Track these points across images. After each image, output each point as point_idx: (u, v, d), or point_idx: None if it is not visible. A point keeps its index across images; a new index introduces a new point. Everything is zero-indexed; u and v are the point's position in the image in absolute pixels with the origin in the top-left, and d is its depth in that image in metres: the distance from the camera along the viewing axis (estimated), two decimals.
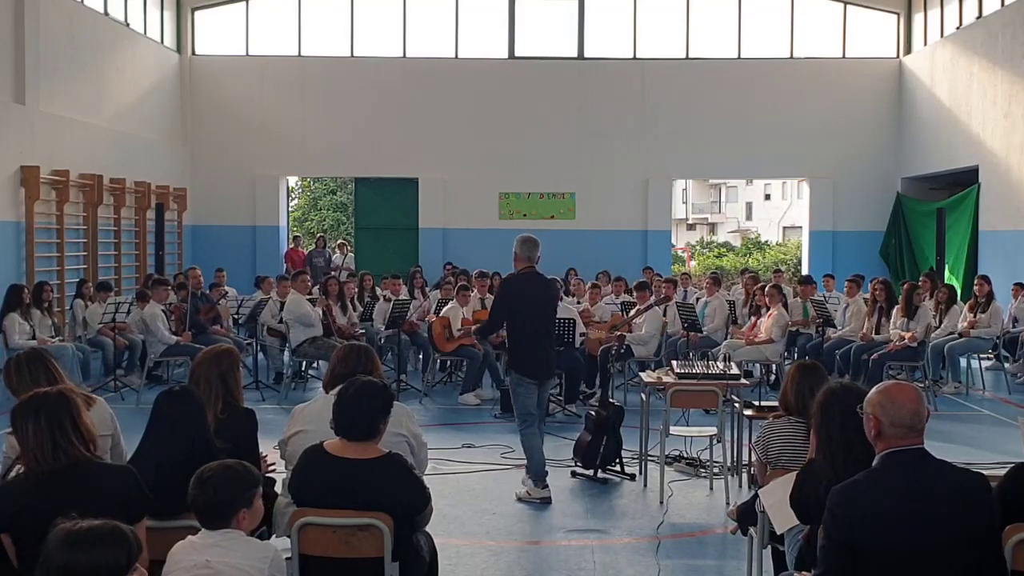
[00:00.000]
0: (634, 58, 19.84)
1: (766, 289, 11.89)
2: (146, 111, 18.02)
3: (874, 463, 3.34)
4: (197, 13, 19.96)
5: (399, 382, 11.48)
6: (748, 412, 6.91)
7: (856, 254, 18.77)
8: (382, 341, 12.69)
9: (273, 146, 19.63)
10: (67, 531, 2.72)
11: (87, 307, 12.64)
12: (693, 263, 32.97)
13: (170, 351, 11.46)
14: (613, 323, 11.57)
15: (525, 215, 19.59)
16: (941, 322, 12.08)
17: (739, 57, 19.84)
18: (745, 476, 7.34)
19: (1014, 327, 12.91)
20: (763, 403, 7.00)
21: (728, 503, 6.83)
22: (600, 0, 19.87)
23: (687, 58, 19.84)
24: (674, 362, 7.99)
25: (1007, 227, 15.43)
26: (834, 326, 12.05)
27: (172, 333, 11.50)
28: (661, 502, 7.07)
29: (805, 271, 19.44)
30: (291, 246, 20.45)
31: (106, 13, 16.70)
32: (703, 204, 58.21)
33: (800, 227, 27.93)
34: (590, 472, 7.68)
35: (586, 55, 19.89)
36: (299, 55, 19.91)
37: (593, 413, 7.89)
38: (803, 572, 3.71)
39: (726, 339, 11.82)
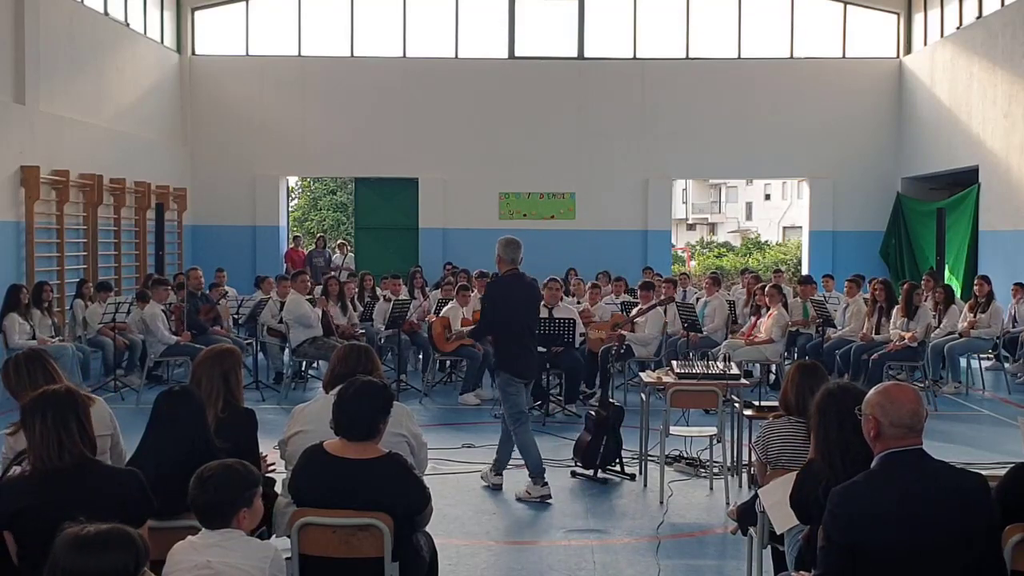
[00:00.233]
0: (634, 58, 19.84)
1: (766, 289, 11.89)
2: (146, 111, 18.01)
3: (873, 464, 3.34)
4: (197, 13, 19.96)
5: (399, 382, 11.49)
6: (748, 412, 6.91)
7: (856, 254, 18.76)
8: (382, 341, 12.70)
9: (273, 146, 19.62)
10: (75, 535, 2.73)
11: (87, 307, 12.64)
12: (693, 263, 32.97)
13: (170, 351, 11.46)
14: (614, 322, 11.58)
15: (525, 215, 19.59)
16: (940, 322, 12.09)
17: (739, 57, 19.83)
18: (745, 476, 7.34)
19: (1014, 327, 12.90)
20: (763, 403, 7.00)
21: (728, 503, 6.83)
22: (600, 0, 19.87)
23: (687, 58, 19.84)
24: (674, 362, 7.99)
25: (1007, 227, 15.43)
26: (834, 326, 12.05)
27: (172, 333, 11.51)
28: (661, 502, 7.07)
29: (805, 271, 19.44)
30: (291, 246, 20.45)
31: (106, 13, 16.69)
32: (703, 204, 58.22)
33: (800, 227, 27.93)
34: (590, 472, 7.69)
35: (586, 55, 19.89)
36: (299, 55, 19.91)
37: (593, 413, 7.90)
38: (802, 572, 3.71)
39: (726, 339, 11.81)
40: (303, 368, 12.37)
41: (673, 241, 26.11)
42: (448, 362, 12.41)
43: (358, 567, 3.88)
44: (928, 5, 19.02)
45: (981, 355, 12.65)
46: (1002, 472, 3.82)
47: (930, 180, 19.07)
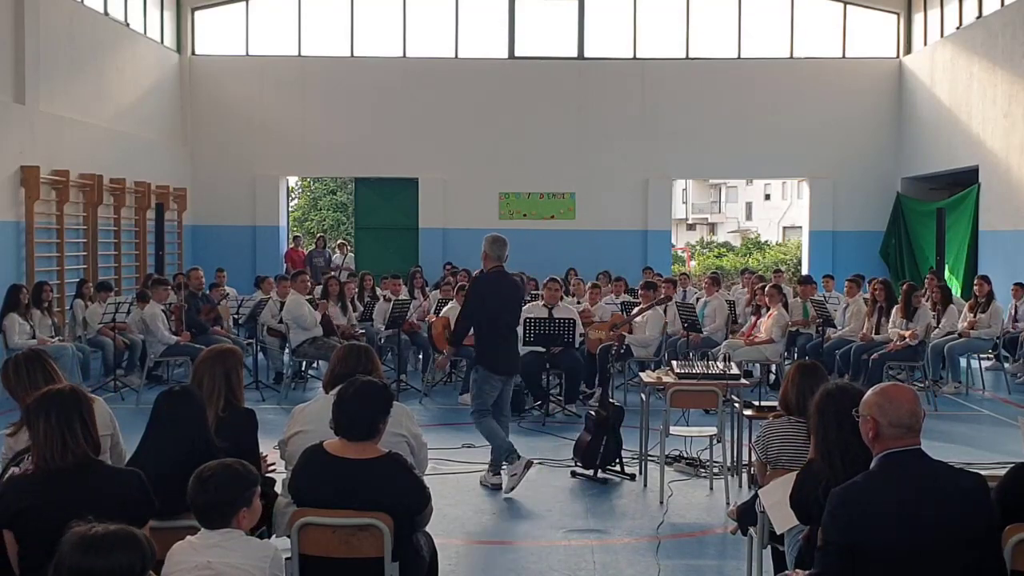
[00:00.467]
0: (634, 58, 19.84)
1: (766, 289, 11.89)
2: (146, 111, 18.01)
3: (872, 465, 3.34)
4: (197, 13, 19.96)
5: (399, 382, 11.49)
6: (748, 412, 6.91)
7: (856, 254, 18.77)
8: (382, 341, 12.69)
9: (273, 146, 19.63)
10: (81, 535, 2.73)
11: (87, 307, 12.64)
12: (693, 263, 32.97)
13: (170, 351, 11.46)
14: (613, 322, 11.57)
15: (525, 215, 19.59)
16: (939, 322, 12.09)
17: (739, 57, 19.83)
18: (745, 476, 7.34)
19: (1014, 327, 12.90)
20: (763, 403, 7.00)
21: (728, 503, 6.83)
22: (600, 0, 19.87)
23: (687, 58, 19.84)
24: (674, 362, 8.00)
25: (1007, 227, 15.43)
26: (834, 326, 12.05)
27: (172, 333, 11.51)
28: (661, 502, 7.07)
29: (805, 271, 19.45)
30: (291, 246, 20.45)
31: (106, 13, 16.69)
32: (703, 204, 58.22)
33: (800, 227, 27.93)
34: (590, 472, 7.68)
35: (586, 55, 19.89)
36: (299, 55, 19.91)
37: (593, 413, 7.90)
38: (798, 571, 3.71)
39: (726, 339, 11.81)
40: (303, 368, 12.37)
41: (673, 241, 26.11)
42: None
43: (358, 567, 3.88)
44: (928, 5, 19.02)
45: (981, 355, 12.65)
46: (1002, 472, 3.82)
47: (930, 180, 19.07)
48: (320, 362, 11.95)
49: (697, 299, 13.47)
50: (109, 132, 16.12)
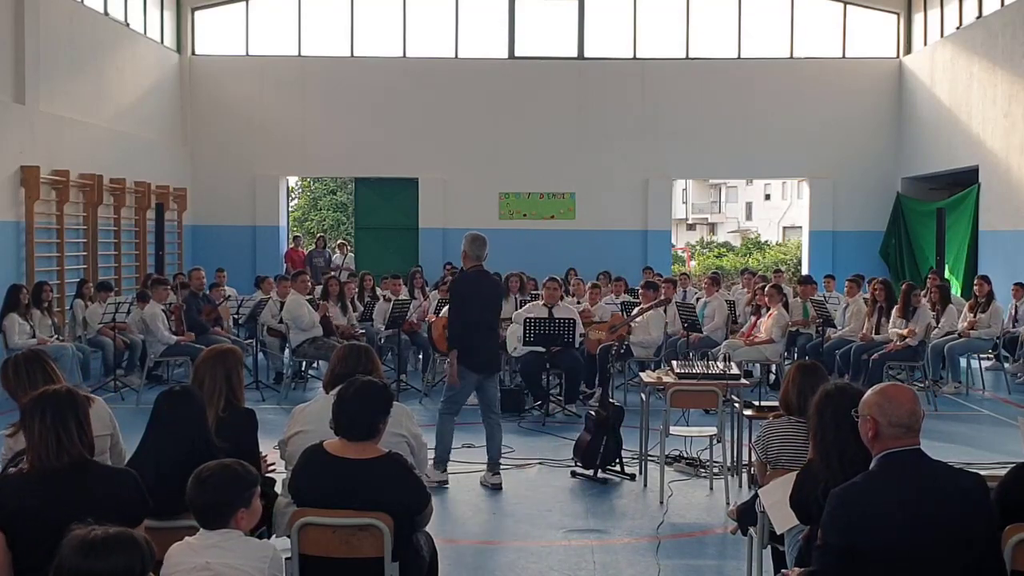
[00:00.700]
0: (634, 58, 19.84)
1: (766, 289, 11.89)
2: (146, 111, 18.01)
3: (872, 465, 3.34)
4: (197, 13, 19.96)
5: (399, 382, 11.49)
6: (748, 412, 6.91)
7: (856, 254, 18.76)
8: (382, 341, 12.69)
9: (273, 146, 19.62)
10: (81, 537, 2.74)
11: (87, 307, 12.64)
12: (693, 263, 32.98)
13: (170, 351, 11.46)
14: (613, 323, 11.57)
15: (525, 215, 19.59)
16: (938, 322, 12.08)
17: (739, 57, 19.83)
18: (745, 476, 7.34)
19: (1014, 327, 12.90)
20: (763, 403, 7.00)
21: (728, 503, 6.83)
22: (600, 0, 19.87)
23: (687, 58, 19.84)
24: (674, 362, 7.99)
25: (1007, 227, 15.43)
26: (834, 326, 12.05)
27: (172, 333, 11.50)
28: (661, 502, 7.07)
29: (805, 271, 19.44)
30: (291, 246, 20.45)
31: (106, 13, 16.69)
32: (703, 204, 58.22)
33: (800, 227, 27.93)
34: (590, 472, 7.68)
35: (586, 55, 19.89)
36: (299, 55, 19.91)
37: (593, 413, 7.90)
38: (795, 569, 3.71)
39: (726, 339, 11.81)
40: (303, 368, 12.37)
41: (673, 241, 26.11)
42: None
43: (358, 567, 3.88)
44: (928, 5, 19.02)
45: (981, 355, 12.65)
46: (1002, 472, 3.82)
47: (930, 180, 19.07)
48: (320, 362, 11.94)
49: (697, 299, 13.47)
50: (109, 132, 16.12)
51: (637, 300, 12.11)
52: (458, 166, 19.60)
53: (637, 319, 11.04)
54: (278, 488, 4.65)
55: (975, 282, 12.75)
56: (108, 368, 11.96)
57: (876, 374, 10.45)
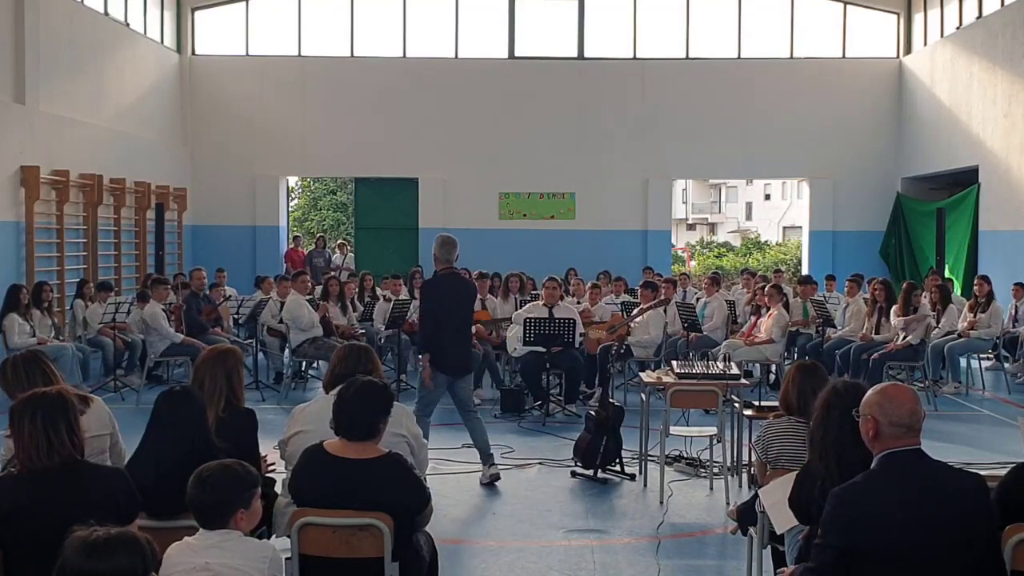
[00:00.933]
0: (634, 58, 19.84)
1: (766, 289, 11.89)
2: (146, 111, 18.01)
3: (872, 465, 3.34)
4: (197, 13, 19.96)
5: (399, 382, 11.49)
6: (748, 412, 6.91)
7: (856, 254, 18.76)
8: (382, 341, 12.69)
9: (273, 146, 19.62)
10: (84, 539, 2.76)
11: (87, 307, 12.64)
12: (693, 263, 32.98)
13: (170, 351, 11.46)
14: (612, 323, 11.57)
15: (525, 215, 19.59)
16: (938, 322, 12.08)
17: (739, 57, 19.83)
18: (745, 476, 7.34)
19: (1014, 327, 12.90)
20: (763, 403, 7.00)
21: (728, 503, 6.83)
22: (600, 0, 19.87)
23: (687, 58, 19.84)
24: (674, 362, 7.99)
25: (1007, 227, 15.43)
26: (834, 326, 12.04)
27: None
28: (661, 502, 7.06)
29: (805, 271, 19.44)
30: (291, 246, 20.45)
31: (106, 13, 16.69)
32: (703, 204, 58.21)
33: (800, 227, 27.93)
34: (590, 472, 7.68)
35: (586, 55, 19.89)
36: (299, 55, 19.90)
37: (593, 413, 7.90)
38: (795, 566, 3.71)
39: (726, 339, 11.81)
40: (303, 368, 12.37)
41: (673, 241, 26.11)
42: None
43: (358, 567, 3.88)
44: (928, 5, 19.02)
45: (981, 355, 12.64)
46: (1002, 472, 3.82)
47: (930, 180, 19.07)
48: (320, 362, 11.94)
49: (697, 299, 13.46)
50: (109, 132, 16.12)
51: (637, 300, 12.10)
52: (458, 166, 19.60)
53: (637, 319, 11.04)
54: (278, 488, 4.65)
55: (975, 282, 12.75)
56: (108, 368, 11.96)
57: (876, 374, 10.45)
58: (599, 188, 19.54)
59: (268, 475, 4.89)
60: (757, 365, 11.71)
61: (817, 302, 12.28)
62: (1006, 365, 12.69)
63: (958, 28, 17.60)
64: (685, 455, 8.05)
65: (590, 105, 19.59)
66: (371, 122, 19.51)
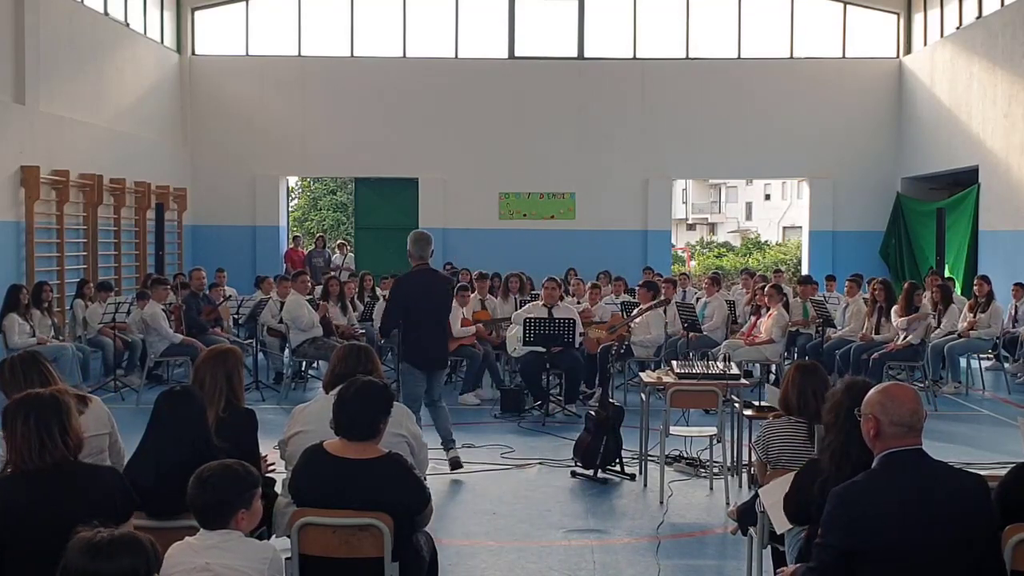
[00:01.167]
0: (634, 58, 19.84)
1: (766, 289, 11.89)
2: (146, 111, 18.01)
3: (873, 464, 3.34)
4: (197, 13, 19.96)
5: (399, 382, 11.46)
6: (748, 412, 6.91)
7: (856, 254, 18.76)
8: (382, 341, 12.68)
9: (273, 146, 19.62)
10: (88, 540, 2.78)
11: (87, 307, 12.64)
12: (693, 263, 32.98)
13: (170, 351, 11.46)
14: (612, 323, 11.57)
15: (525, 215, 19.59)
16: (939, 322, 12.09)
17: (739, 57, 19.83)
18: (745, 476, 7.34)
19: (1014, 327, 12.90)
20: (763, 403, 7.00)
21: (728, 503, 6.83)
22: (600, 0, 19.87)
23: (687, 58, 19.84)
24: (674, 362, 7.99)
25: (1007, 227, 15.43)
26: (834, 326, 12.05)
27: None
28: (661, 502, 7.06)
29: (805, 271, 19.44)
30: (291, 246, 20.45)
31: (106, 13, 16.69)
32: (703, 204, 58.21)
33: (800, 227, 27.93)
34: (590, 472, 7.68)
35: (586, 55, 19.89)
36: (299, 55, 19.91)
37: (593, 413, 7.90)
38: (795, 565, 3.71)
39: (726, 339, 11.81)
40: (303, 368, 12.37)
41: (673, 241, 26.11)
42: (448, 362, 12.39)
43: (358, 567, 3.88)
44: (928, 5, 19.02)
45: (981, 355, 12.64)
46: (1002, 472, 3.82)
47: (930, 180, 19.06)
48: (320, 362, 11.94)
49: (697, 299, 13.46)
50: (109, 132, 16.12)
51: (637, 300, 12.10)
52: (458, 166, 19.60)
53: (636, 320, 11.04)
54: (278, 488, 4.65)
55: (975, 282, 12.75)
56: (108, 368, 11.96)
57: (876, 374, 10.43)
58: (599, 188, 19.54)
59: (268, 475, 4.89)
60: (757, 365, 11.71)
61: (817, 302, 12.28)
62: (1006, 365, 12.69)
63: (958, 28, 17.60)
64: (685, 455, 8.05)
65: (590, 105, 19.59)
66: (371, 122, 19.51)
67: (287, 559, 3.81)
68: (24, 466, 3.53)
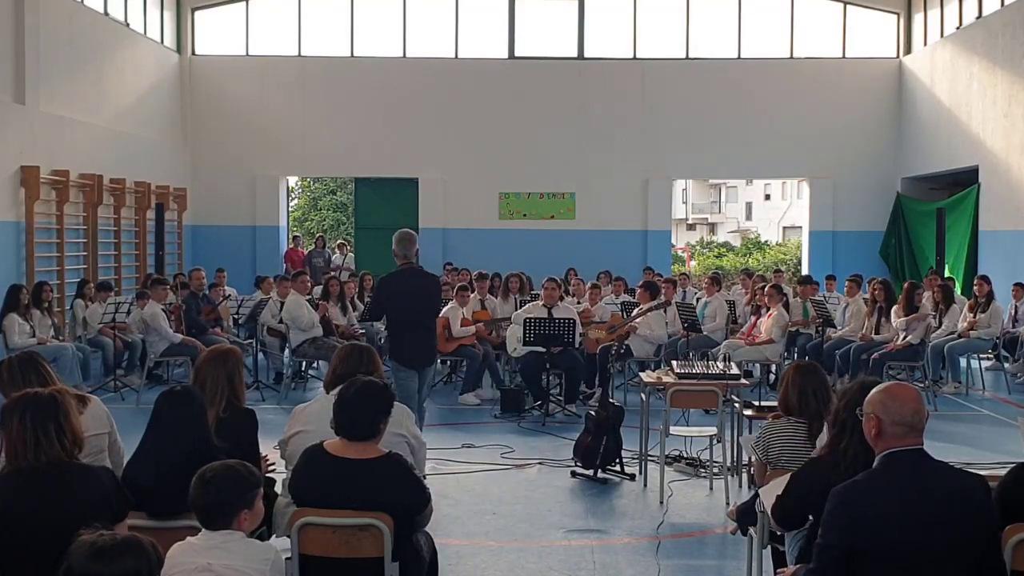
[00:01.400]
0: (634, 58, 19.84)
1: (766, 289, 11.89)
2: (146, 111, 18.01)
3: (874, 464, 3.34)
4: (197, 13, 19.96)
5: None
6: (748, 412, 6.91)
7: (856, 254, 18.76)
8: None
9: (273, 146, 19.62)
10: (90, 543, 2.79)
11: (87, 307, 12.64)
12: (693, 263, 32.97)
13: (170, 351, 11.46)
14: (612, 323, 11.58)
15: (525, 215, 19.59)
16: (941, 322, 12.09)
17: (739, 57, 19.83)
18: (745, 476, 7.34)
19: (1014, 327, 12.90)
20: (763, 403, 7.00)
21: (728, 503, 6.83)
22: (600, 0, 19.88)
23: (687, 58, 19.84)
24: (674, 362, 7.99)
25: (1007, 227, 15.43)
26: (834, 326, 12.05)
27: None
28: (661, 502, 7.07)
29: (805, 271, 19.44)
30: (291, 246, 20.45)
31: (106, 13, 16.69)
32: (703, 204, 58.21)
33: (800, 227, 27.93)
34: (590, 472, 7.68)
35: (586, 55, 19.89)
36: (299, 55, 19.90)
37: (593, 413, 7.90)
38: (796, 566, 3.71)
39: (726, 339, 11.81)
40: (303, 368, 12.37)
41: (673, 241, 26.11)
42: (448, 362, 12.42)
43: (358, 567, 3.88)
44: (928, 5, 19.02)
45: (981, 355, 12.64)
46: (1002, 472, 3.82)
47: (930, 180, 19.06)
48: (320, 362, 11.95)
49: (697, 299, 13.47)
50: (109, 132, 16.12)
51: (637, 300, 12.10)
52: (458, 166, 19.60)
53: (637, 320, 11.04)
54: (278, 488, 4.65)
55: (975, 282, 12.75)
56: (108, 368, 11.96)
57: (876, 374, 10.41)
58: (599, 188, 19.54)
59: (268, 475, 4.89)
60: (757, 365, 11.71)
61: (817, 302, 12.28)
62: (1006, 365, 12.70)
63: (958, 28, 17.60)
64: (685, 455, 8.05)
65: (590, 105, 19.59)
66: (371, 122, 19.51)
67: (287, 559, 3.81)
68: (19, 464, 3.53)
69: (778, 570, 4.28)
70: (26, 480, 3.50)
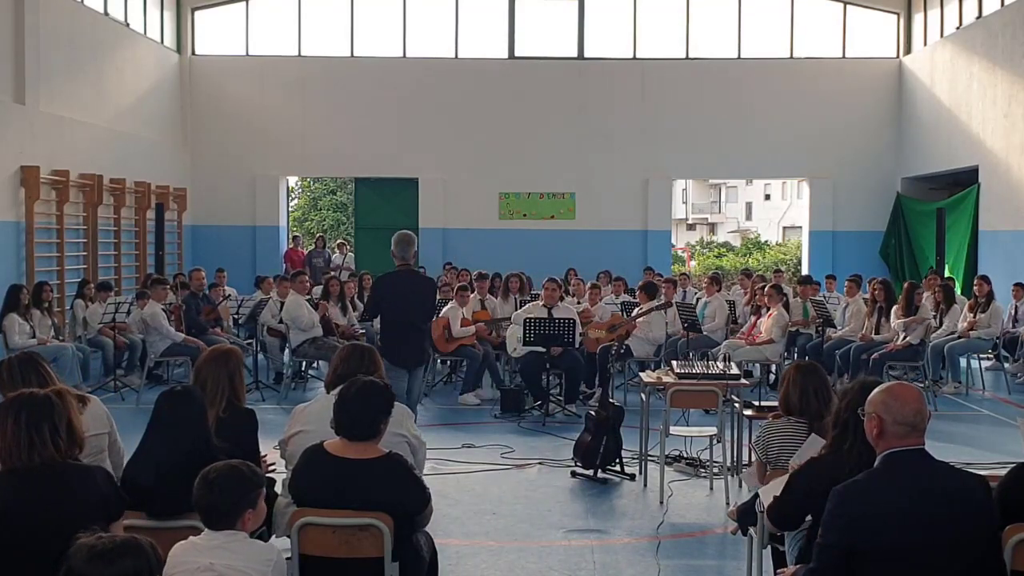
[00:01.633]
0: (634, 58, 19.84)
1: (766, 289, 11.89)
2: (146, 111, 18.02)
3: (876, 463, 3.34)
4: (197, 13, 19.96)
5: None
6: (748, 412, 6.91)
7: (856, 254, 18.77)
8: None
9: (273, 146, 19.63)
10: (90, 545, 2.80)
11: (87, 307, 12.63)
12: (693, 263, 32.97)
13: (170, 351, 11.45)
14: (612, 323, 11.57)
15: (525, 215, 19.60)
16: (941, 322, 12.08)
17: (739, 57, 19.83)
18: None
19: (1014, 327, 12.90)
20: (763, 403, 7.00)
21: (728, 503, 6.83)
22: (600, 0, 19.88)
23: (687, 58, 19.84)
24: (674, 362, 7.99)
25: (1007, 227, 15.43)
26: (834, 326, 12.05)
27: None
28: (661, 502, 7.06)
29: (805, 271, 19.44)
30: (291, 246, 20.45)
31: (106, 13, 16.69)
32: (703, 204, 58.21)
33: (800, 227, 27.93)
34: (590, 472, 7.68)
35: (586, 55, 19.89)
36: (299, 55, 19.91)
37: (593, 413, 7.90)
38: (796, 566, 3.71)
39: (726, 339, 11.81)
40: (303, 368, 12.37)
41: (673, 241, 26.11)
42: (448, 362, 12.41)
43: (358, 567, 3.88)
44: (928, 5, 19.02)
45: (981, 355, 12.64)
46: (1002, 472, 3.82)
47: (930, 180, 19.07)
48: (320, 362, 11.95)
49: (697, 299, 13.46)
50: (109, 132, 16.13)
51: (637, 300, 12.10)
52: (458, 166, 19.60)
53: (637, 321, 11.04)
54: (278, 488, 4.65)
55: (975, 282, 12.75)
56: (108, 368, 11.95)
57: (876, 374, 10.42)
58: (599, 188, 19.55)
59: (268, 475, 4.89)
60: (757, 365, 11.71)
61: (817, 302, 12.28)
62: (1006, 365, 12.69)
63: (958, 28, 17.60)
64: (685, 455, 8.05)
65: (590, 105, 19.59)
66: (371, 122, 19.51)
67: (287, 559, 3.81)
68: (11, 464, 3.52)
69: (778, 570, 4.28)
70: (20, 480, 3.49)
